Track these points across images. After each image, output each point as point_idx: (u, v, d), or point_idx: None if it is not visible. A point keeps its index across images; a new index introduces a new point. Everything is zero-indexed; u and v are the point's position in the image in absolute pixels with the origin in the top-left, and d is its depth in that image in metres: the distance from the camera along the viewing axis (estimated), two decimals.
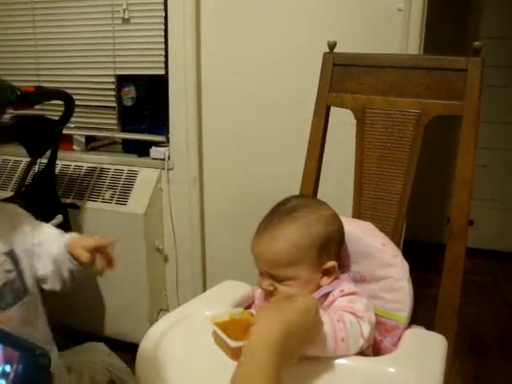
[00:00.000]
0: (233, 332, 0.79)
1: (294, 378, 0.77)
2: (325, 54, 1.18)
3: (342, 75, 1.17)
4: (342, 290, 0.87)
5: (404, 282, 0.96)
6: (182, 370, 0.79)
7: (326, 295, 0.88)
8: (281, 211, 0.92)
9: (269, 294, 0.91)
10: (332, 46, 1.18)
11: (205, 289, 1.97)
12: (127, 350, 1.78)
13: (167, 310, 1.97)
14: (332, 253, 0.90)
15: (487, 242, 2.81)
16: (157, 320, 1.88)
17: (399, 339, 0.93)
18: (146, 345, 0.84)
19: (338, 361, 0.80)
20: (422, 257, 2.35)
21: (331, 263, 0.89)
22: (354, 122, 1.17)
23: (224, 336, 0.78)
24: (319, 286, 0.90)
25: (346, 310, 0.83)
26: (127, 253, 1.80)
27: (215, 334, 0.82)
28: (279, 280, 0.88)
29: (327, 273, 0.90)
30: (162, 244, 1.90)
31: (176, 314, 0.94)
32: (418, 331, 0.94)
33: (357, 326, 0.82)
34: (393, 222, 1.14)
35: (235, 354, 0.77)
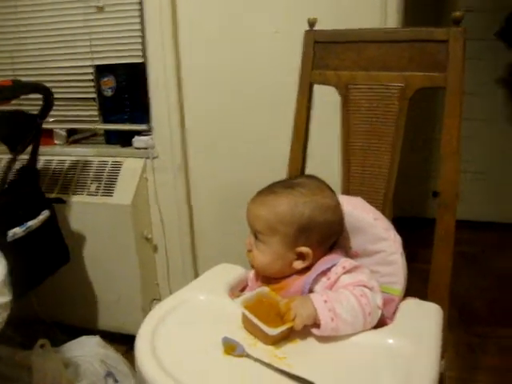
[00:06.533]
0: (263, 315, 0.81)
1: (295, 352, 0.78)
2: (306, 32, 1.17)
3: (324, 52, 1.16)
4: (344, 267, 0.88)
5: (397, 256, 0.97)
6: (181, 355, 0.79)
7: (324, 273, 0.89)
8: (283, 184, 0.95)
9: (247, 255, 0.95)
10: (312, 23, 1.17)
11: (196, 275, 1.96)
12: (123, 341, 1.78)
13: (160, 299, 1.96)
14: (312, 240, 0.90)
15: (473, 214, 2.84)
16: (150, 310, 1.90)
17: (394, 312, 0.94)
18: (144, 332, 0.83)
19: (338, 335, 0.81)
20: (407, 231, 2.37)
21: (305, 249, 0.89)
22: (337, 99, 1.17)
23: (260, 323, 0.79)
24: (291, 267, 0.91)
25: (358, 285, 0.84)
26: (116, 244, 1.79)
27: (245, 318, 0.83)
28: (257, 240, 0.92)
29: (301, 257, 0.90)
30: (150, 233, 1.89)
31: (172, 299, 0.94)
32: (413, 302, 0.95)
33: (373, 297, 0.84)
34: (382, 196, 1.14)
35: (271, 339, 0.79)
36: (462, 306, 2.08)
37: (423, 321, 0.87)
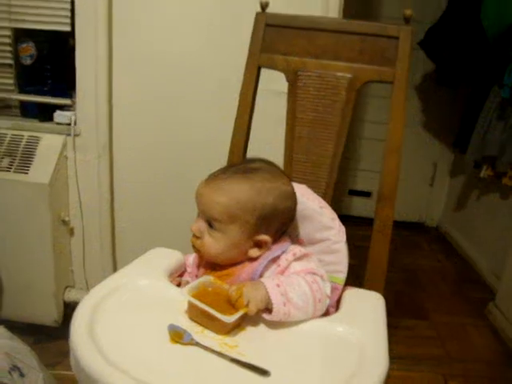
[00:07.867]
0: (212, 303, 0.76)
1: (245, 340, 0.75)
2: (257, 14, 1.14)
3: (275, 36, 1.14)
4: (294, 254, 0.86)
5: (342, 244, 0.97)
6: (124, 344, 0.72)
7: (274, 260, 0.86)
8: (239, 168, 0.89)
9: (195, 242, 0.88)
10: (264, 5, 1.14)
11: (114, 263, 1.87)
12: (31, 331, 1.65)
13: (73, 287, 1.85)
14: (271, 228, 0.87)
15: None
16: (63, 298, 1.77)
17: (338, 301, 0.94)
18: (80, 320, 0.76)
19: (288, 323, 0.79)
20: None
21: (265, 237, 0.86)
22: (281, 90, 1.14)
23: (214, 312, 0.74)
24: (246, 255, 0.88)
25: (309, 272, 0.83)
26: (30, 226, 1.65)
27: (193, 308, 0.78)
28: (211, 227, 0.86)
29: (258, 245, 0.87)
30: (67, 216, 1.76)
31: (109, 284, 0.86)
32: (356, 291, 0.96)
33: (324, 285, 0.82)
34: (324, 185, 1.15)
35: (226, 328, 0.75)
36: None
37: (369, 309, 0.88)
